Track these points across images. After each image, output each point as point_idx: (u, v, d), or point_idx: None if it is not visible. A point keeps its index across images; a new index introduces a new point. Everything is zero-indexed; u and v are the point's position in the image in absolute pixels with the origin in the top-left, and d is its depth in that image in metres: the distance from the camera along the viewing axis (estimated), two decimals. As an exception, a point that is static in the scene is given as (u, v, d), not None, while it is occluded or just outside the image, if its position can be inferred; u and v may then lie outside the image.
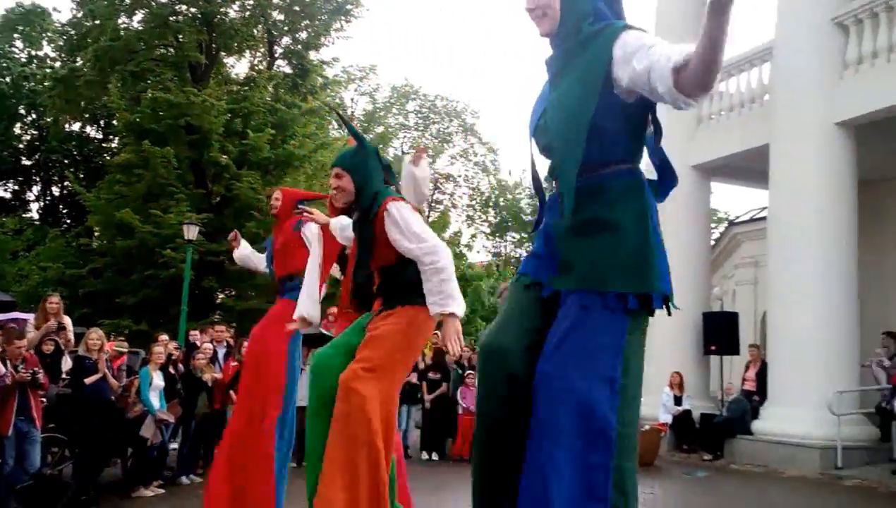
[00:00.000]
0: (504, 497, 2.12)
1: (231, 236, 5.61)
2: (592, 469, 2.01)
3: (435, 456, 10.36)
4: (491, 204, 36.31)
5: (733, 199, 78.42)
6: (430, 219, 31.13)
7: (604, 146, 2.08)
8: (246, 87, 19.08)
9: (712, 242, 17.68)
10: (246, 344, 8.90)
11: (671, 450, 11.63)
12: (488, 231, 35.71)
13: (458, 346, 2.89)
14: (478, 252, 36.61)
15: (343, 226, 3.82)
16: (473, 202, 36.26)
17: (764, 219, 13.31)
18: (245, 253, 5.57)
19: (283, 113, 18.30)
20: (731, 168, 13.25)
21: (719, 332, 12.01)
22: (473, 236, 33.48)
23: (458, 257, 27.40)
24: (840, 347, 10.07)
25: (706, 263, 13.64)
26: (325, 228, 4.18)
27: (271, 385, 4.63)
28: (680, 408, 11.67)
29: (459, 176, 35.97)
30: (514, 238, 36.13)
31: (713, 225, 22.29)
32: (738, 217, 20.08)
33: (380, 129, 33.09)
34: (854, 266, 10.32)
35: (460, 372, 11.21)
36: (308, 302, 3.83)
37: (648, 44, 1.96)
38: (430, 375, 10.84)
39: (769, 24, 11.52)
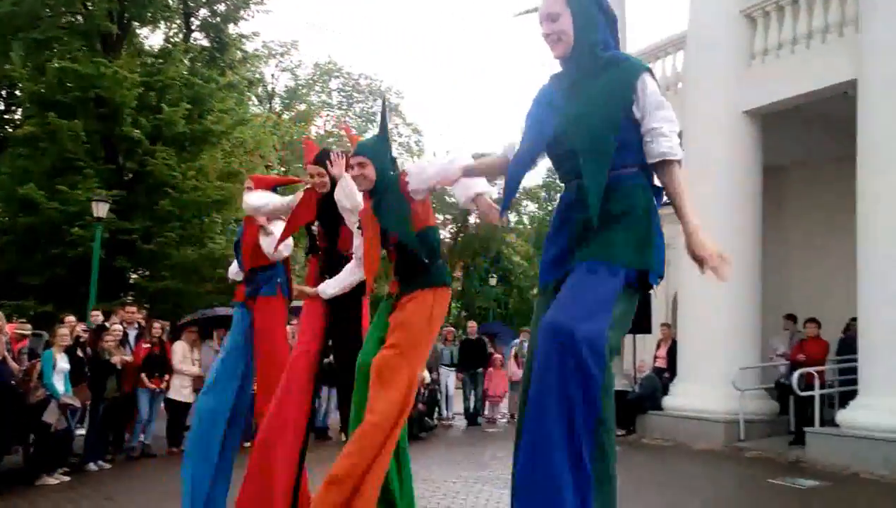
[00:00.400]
0: None
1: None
2: (586, 414, 2.23)
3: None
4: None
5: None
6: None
7: (621, 153, 2.45)
8: (160, 60, 18.36)
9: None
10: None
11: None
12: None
13: (495, 214, 3.19)
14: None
15: (327, 285, 3.95)
16: (396, 182, 36.16)
17: (677, 202, 13.72)
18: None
19: (199, 87, 17.72)
20: (646, 153, 13.63)
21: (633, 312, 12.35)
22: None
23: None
24: (743, 326, 10.55)
25: (622, 245, 14.02)
26: (304, 198, 4.26)
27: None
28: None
29: (383, 156, 35.76)
30: (437, 219, 36.23)
31: (630, 208, 22.93)
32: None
33: (302, 107, 32.53)
34: (758, 249, 10.81)
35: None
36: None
37: (663, 107, 2.47)
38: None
39: (683, 14, 11.84)
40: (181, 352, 9.13)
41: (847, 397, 9.34)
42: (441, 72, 64.62)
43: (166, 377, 8.89)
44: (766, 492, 7.33)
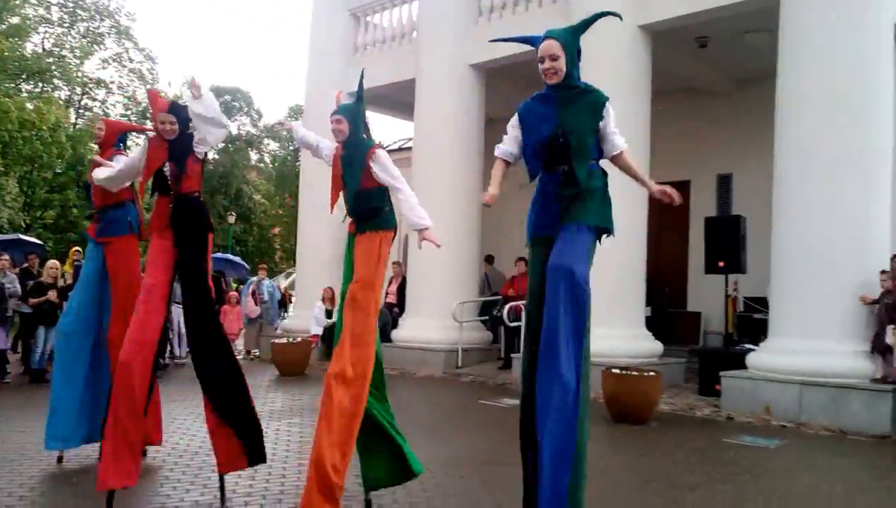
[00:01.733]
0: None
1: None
2: (579, 322, 3.44)
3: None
4: (149, 115, 33.71)
5: (386, 128, 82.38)
6: (78, 128, 27.99)
7: (592, 151, 3.67)
8: None
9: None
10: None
11: (321, 360, 12.36)
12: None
13: (438, 242, 4.32)
14: (134, 166, 33.91)
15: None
16: (129, 112, 33.36)
17: (410, 148, 14.40)
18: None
19: None
20: (382, 98, 14.00)
21: (367, 251, 12.85)
22: (128, 148, 30.80)
23: (112, 170, 25.07)
24: (463, 265, 11.51)
25: (359, 187, 14.40)
26: (152, 146, 4.71)
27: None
28: (330, 321, 12.40)
29: (112, 82, 32.68)
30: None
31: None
32: (387, 146, 21.33)
33: (15, 20, 28.56)
34: (478, 196, 11.74)
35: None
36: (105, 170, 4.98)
37: (614, 122, 3.72)
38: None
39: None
40: None
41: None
42: (181, -5, 60.23)
43: None
44: (477, 411, 8.20)
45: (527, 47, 12.09)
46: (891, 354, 7.39)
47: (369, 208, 4.35)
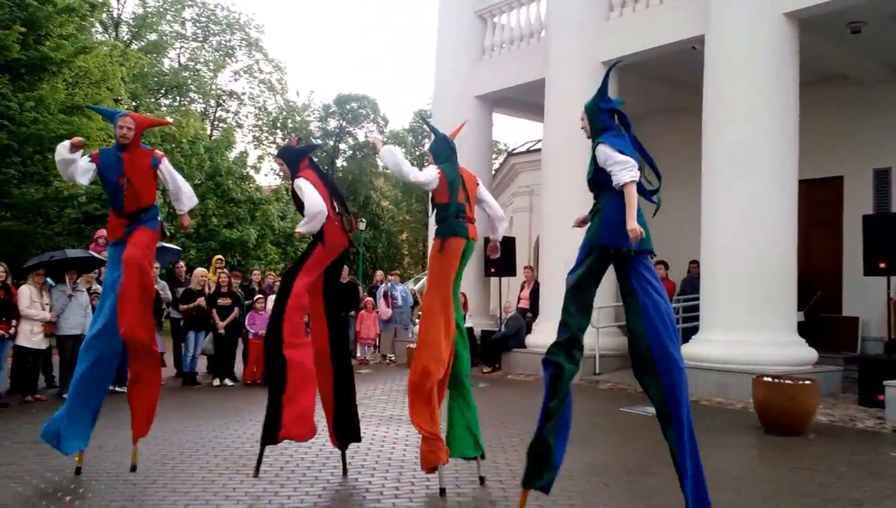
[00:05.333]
0: None
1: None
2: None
3: (228, 381, 10.32)
4: (279, 125, 35.11)
5: (512, 131, 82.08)
6: (213, 138, 29.50)
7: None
8: (-14, -24, 16.52)
9: (493, 171, 18.60)
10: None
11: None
12: (277, 153, 34.74)
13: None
14: (265, 175, 35.43)
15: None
16: (260, 122, 34.85)
17: (539, 150, 14.17)
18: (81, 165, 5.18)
19: (35, 9, 15.97)
20: (510, 100, 13.87)
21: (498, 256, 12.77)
22: (261, 158, 32.10)
23: (245, 179, 26.27)
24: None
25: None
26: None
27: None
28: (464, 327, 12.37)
29: (244, 93, 34.27)
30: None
31: (494, 155, 23.35)
32: (515, 148, 21.08)
33: (153, 36, 30.44)
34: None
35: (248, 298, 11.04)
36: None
37: (606, 158, 4.19)
38: (220, 302, 10.57)
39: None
40: (28, 296, 8.59)
41: (689, 332, 10.16)
42: (305, 4, 62.44)
43: (13, 322, 8.38)
44: (619, 420, 7.94)
45: (657, 43, 11.76)
46: None
47: (433, 216, 5.17)
